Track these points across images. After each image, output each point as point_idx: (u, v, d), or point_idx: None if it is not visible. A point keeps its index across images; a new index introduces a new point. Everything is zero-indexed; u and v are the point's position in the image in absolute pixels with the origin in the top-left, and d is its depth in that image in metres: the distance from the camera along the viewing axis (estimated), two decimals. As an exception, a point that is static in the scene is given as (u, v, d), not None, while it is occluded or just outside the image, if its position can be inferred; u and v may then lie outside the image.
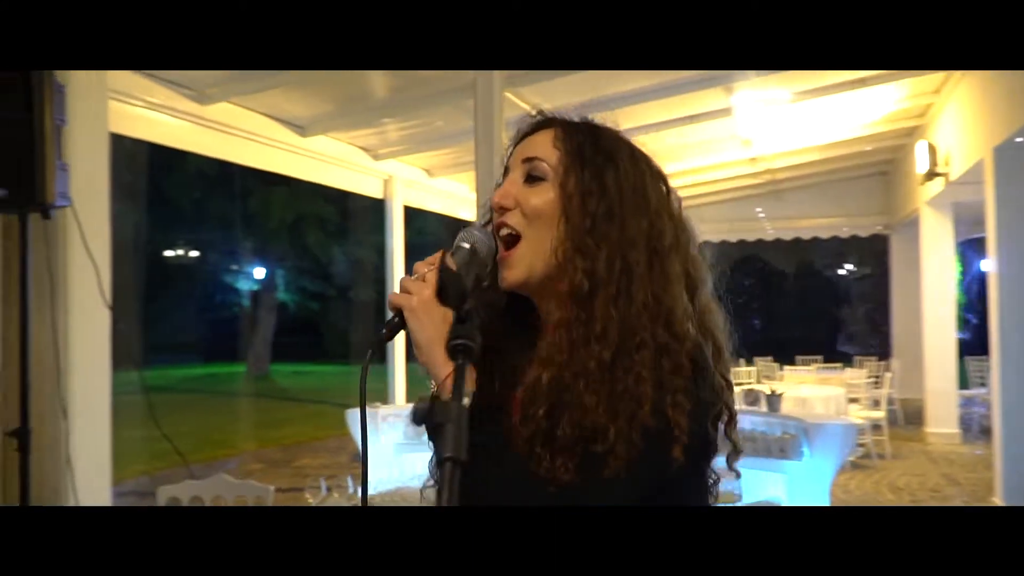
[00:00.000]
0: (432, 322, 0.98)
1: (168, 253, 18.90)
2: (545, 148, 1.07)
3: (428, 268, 1.01)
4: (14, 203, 2.51)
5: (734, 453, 1.07)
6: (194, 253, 19.62)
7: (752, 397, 4.35)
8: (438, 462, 0.82)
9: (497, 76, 3.27)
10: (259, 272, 20.26)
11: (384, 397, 6.53)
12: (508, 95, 5.16)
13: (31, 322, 2.67)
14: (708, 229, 11.43)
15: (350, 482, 3.20)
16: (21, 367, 2.61)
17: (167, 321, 19.38)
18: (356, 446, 6.22)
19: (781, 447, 3.64)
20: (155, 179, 14.89)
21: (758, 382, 8.19)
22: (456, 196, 7.93)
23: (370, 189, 6.78)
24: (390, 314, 1.00)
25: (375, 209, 6.95)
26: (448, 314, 0.98)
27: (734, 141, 7.72)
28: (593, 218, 1.02)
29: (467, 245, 1.04)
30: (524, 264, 1.04)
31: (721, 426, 1.02)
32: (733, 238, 11.62)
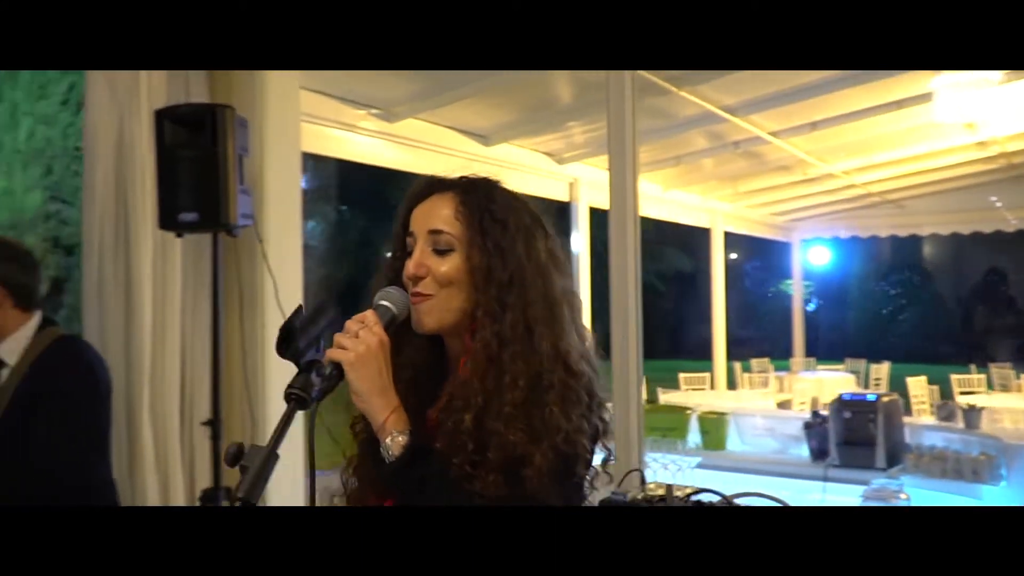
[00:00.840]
0: (368, 374, 1.16)
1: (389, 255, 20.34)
2: (448, 221, 1.26)
3: (359, 326, 1.14)
4: (203, 225, 2.88)
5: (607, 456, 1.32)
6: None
7: (946, 411, 3.93)
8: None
9: (628, 77, 3.25)
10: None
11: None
12: (685, 93, 5.09)
13: (222, 327, 3.05)
14: (934, 221, 10.48)
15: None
16: (213, 363, 2.99)
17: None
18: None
19: (975, 469, 3.28)
20: (379, 188, 16.10)
21: (987, 391, 7.38)
22: (645, 196, 7.86)
23: (555, 193, 6.91)
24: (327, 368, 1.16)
25: (561, 213, 7.08)
26: (382, 367, 1.11)
27: (954, 127, 6.98)
28: (498, 286, 1.21)
29: (388, 304, 1.24)
30: (435, 317, 1.25)
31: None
32: (966, 230, 10.52)
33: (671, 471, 3.11)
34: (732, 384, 9.98)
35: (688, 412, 4.34)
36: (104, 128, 3.26)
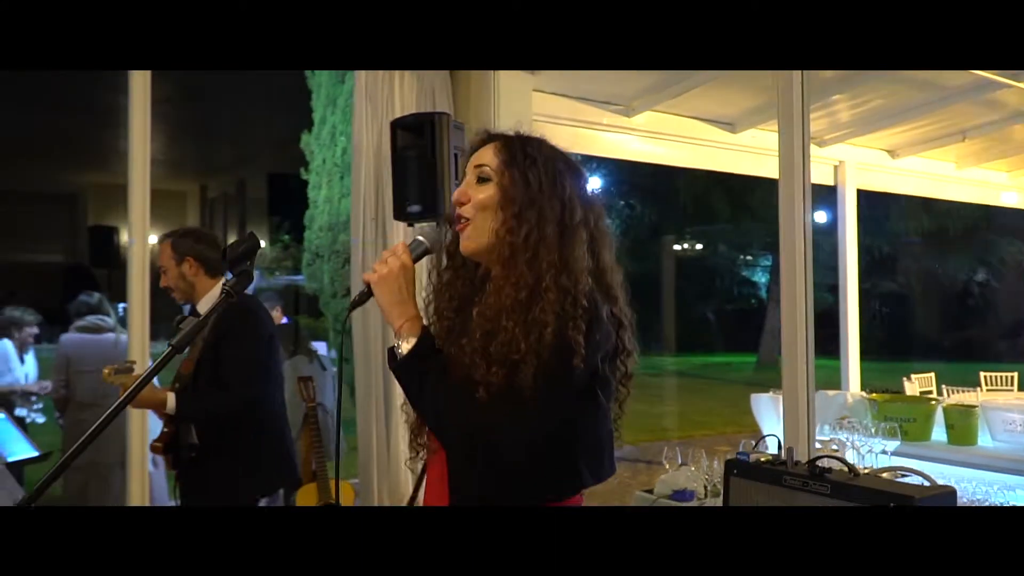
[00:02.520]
0: (389, 290, 1.44)
1: (676, 247, 20.37)
2: (489, 156, 1.48)
3: (390, 255, 1.42)
4: (424, 215, 3.39)
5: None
6: (698, 246, 20.74)
7: None
8: None
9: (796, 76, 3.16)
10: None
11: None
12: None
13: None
14: None
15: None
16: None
17: (689, 310, 20.84)
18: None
19: None
20: (666, 181, 16.28)
21: None
22: (929, 175, 7.20)
23: (818, 177, 6.63)
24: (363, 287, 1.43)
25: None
26: (403, 286, 1.39)
27: None
28: (520, 205, 1.42)
29: (421, 238, 1.52)
30: (473, 240, 1.48)
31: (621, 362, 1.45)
32: None
33: (860, 453, 3.02)
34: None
35: (933, 403, 4.04)
36: (367, 138, 3.96)
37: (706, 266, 20.61)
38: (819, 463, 2.04)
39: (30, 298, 5.21)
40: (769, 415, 5.15)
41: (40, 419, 5.02)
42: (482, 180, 1.48)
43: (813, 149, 6.39)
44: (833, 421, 3.71)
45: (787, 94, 3.04)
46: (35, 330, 5.21)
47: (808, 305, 2.89)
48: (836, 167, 6.62)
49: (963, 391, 7.47)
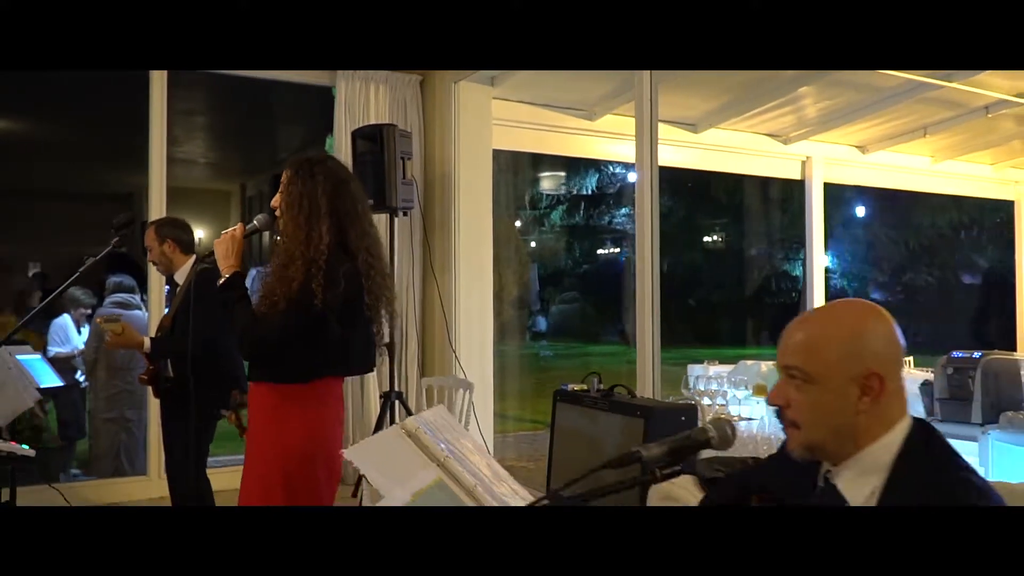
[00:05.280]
0: (222, 250, 2.26)
1: (706, 239, 20.70)
2: (285, 176, 2.27)
3: (232, 230, 2.17)
4: (377, 208, 4.13)
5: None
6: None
7: None
8: None
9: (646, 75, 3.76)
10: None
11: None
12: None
13: (403, 286, 4.30)
14: None
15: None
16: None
17: (711, 303, 21.10)
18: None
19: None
20: (697, 182, 16.73)
21: None
22: (902, 168, 7.62)
23: (787, 172, 7.15)
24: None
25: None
26: (231, 249, 2.19)
27: None
28: (290, 210, 2.21)
29: (255, 222, 2.28)
30: (280, 225, 2.23)
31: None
32: None
33: (715, 404, 3.64)
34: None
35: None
36: (345, 142, 4.73)
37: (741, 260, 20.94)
38: (614, 392, 2.73)
39: (89, 280, 6.15)
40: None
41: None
42: (279, 192, 2.32)
43: (778, 146, 6.93)
44: (751, 386, 4.35)
45: (639, 88, 3.69)
46: (89, 310, 6.15)
47: (655, 278, 3.54)
48: (804, 162, 7.10)
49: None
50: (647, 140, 3.64)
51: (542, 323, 19.64)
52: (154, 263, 3.54)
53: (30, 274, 8.82)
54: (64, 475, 5.49)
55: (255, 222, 2.34)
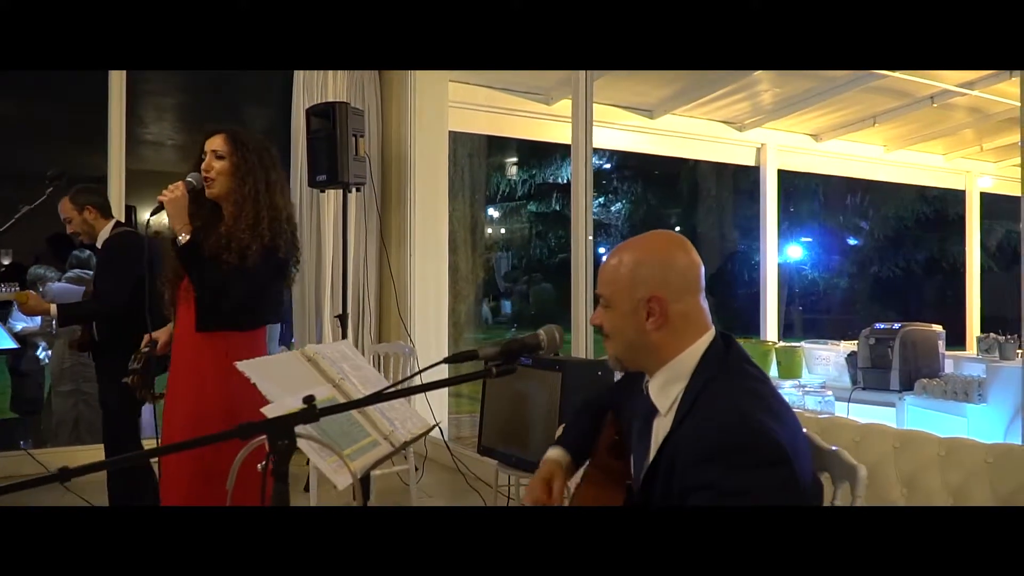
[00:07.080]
0: (173, 208, 2.36)
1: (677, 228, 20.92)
2: (219, 143, 2.41)
3: (175, 187, 2.31)
4: (330, 183, 4.28)
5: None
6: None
7: (986, 344, 3.86)
8: None
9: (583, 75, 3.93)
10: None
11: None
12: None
13: (351, 257, 4.45)
14: None
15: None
16: (343, 263, 4.40)
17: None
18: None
19: (965, 390, 3.44)
20: (666, 170, 17.00)
21: None
22: (855, 157, 7.84)
23: (741, 158, 7.34)
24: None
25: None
26: (181, 206, 2.31)
27: None
28: (251, 174, 2.37)
29: (191, 179, 2.41)
30: (217, 185, 2.38)
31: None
32: None
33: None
34: None
35: (770, 344, 4.81)
36: (302, 122, 4.86)
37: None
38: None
39: (57, 257, 6.25)
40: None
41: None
42: (219, 158, 2.45)
43: (733, 133, 7.12)
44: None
45: (575, 85, 3.87)
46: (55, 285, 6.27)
47: (589, 259, 3.73)
48: (758, 149, 7.31)
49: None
50: (583, 136, 3.81)
51: (507, 307, 19.94)
52: (76, 234, 3.48)
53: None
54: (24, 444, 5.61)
55: (191, 180, 2.44)
